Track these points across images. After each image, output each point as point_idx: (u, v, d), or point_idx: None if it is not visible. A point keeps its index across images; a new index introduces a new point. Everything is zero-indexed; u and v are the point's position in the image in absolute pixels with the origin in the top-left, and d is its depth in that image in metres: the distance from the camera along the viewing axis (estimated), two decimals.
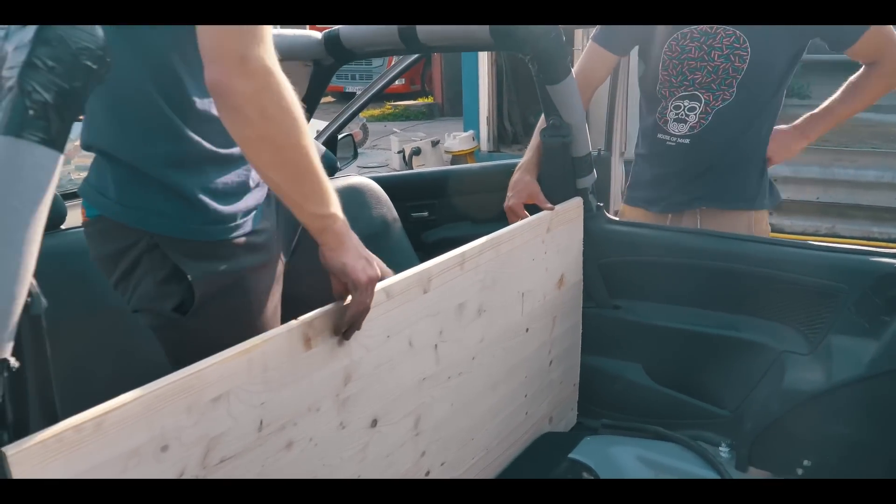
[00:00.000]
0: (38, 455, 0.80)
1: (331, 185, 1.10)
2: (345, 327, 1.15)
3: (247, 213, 1.25)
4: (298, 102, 1.02)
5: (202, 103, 1.16)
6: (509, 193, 1.83)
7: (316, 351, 1.14)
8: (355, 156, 2.79)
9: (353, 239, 1.14)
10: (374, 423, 1.30)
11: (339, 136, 2.65)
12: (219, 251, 1.21)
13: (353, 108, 2.57)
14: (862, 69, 1.90)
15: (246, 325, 1.22)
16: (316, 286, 1.36)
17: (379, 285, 1.21)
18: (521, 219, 1.74)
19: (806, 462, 1.62)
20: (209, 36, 0.95)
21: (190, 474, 0.98)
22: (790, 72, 1.90)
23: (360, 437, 1.28)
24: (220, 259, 1.21)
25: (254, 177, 1.27)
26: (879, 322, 1.54)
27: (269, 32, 0.97)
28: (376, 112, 11.50)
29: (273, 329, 1.10)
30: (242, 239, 1.23)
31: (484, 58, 6.85)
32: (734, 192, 1.96)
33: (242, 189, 1.24)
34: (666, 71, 1.95)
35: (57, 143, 0.79)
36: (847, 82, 1.93)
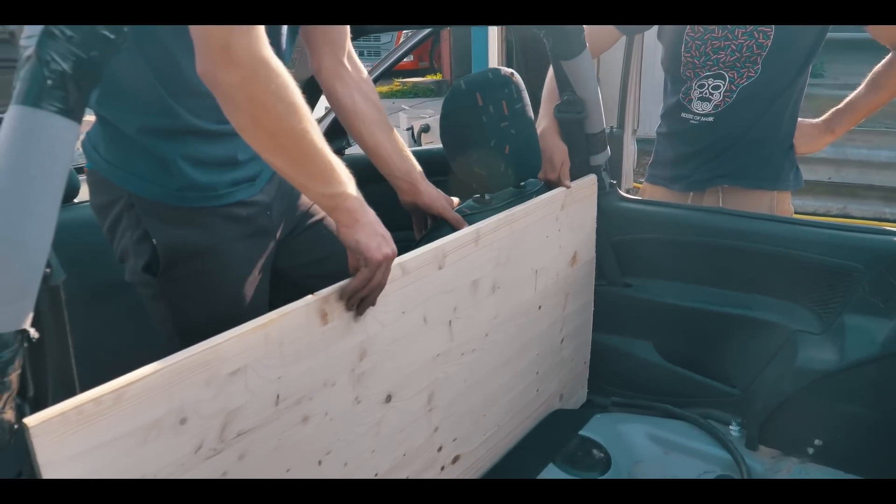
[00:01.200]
0: (59, 427, 0.81)
1: (339, 164, 1.09)
2: (357, 303, 1.16)
3: (233, 184, 1.27)
4: (294, 87, 1.01)
5: (196, 80, 1.15)
6: (549, 165, 1.75)
7: (332, 326, 1.14)
8: None
9: (369, 215, 1.14)
10: (389, 398, 1.30)
11: None
12: (192, 218, 1.24)
13: None
14: (886, 59, 1.87)
15: (217, 294, 1.28)
16: (309, 269, 1.36)
17: (396, 260, 1.22)
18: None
19: (817, 441, 1.62)
20: (196, 26, 0.96)
21: (208, 447, 0.99)
22: (817, 48, 1.87)
23: (375, 412, 1.28)
24: (191, 226, 1.23)
25: (248, 151, 1.27)
26: (894, 302, 1.53)
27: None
28: (385, 89, 11.44)
29: (291, 304, 1.09)
30: (222, 209, 1.25)
31: (494, 33, 6.78)
32: (756, 170, 1.94)
33: (229, 162, 1.26)
34: (689, 52, 1.94)
35: (75, 113, 0.79)
36: (871, 73, 1.90)
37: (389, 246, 1.15)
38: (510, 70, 1.62)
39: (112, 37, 0.80)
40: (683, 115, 1.98)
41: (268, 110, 1.00)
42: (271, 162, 1.08)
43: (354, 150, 2.77)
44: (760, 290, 1.74)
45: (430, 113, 7.58)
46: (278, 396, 1.07)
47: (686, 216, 1.85)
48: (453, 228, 1.49)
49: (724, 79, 1.90)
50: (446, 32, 10.80)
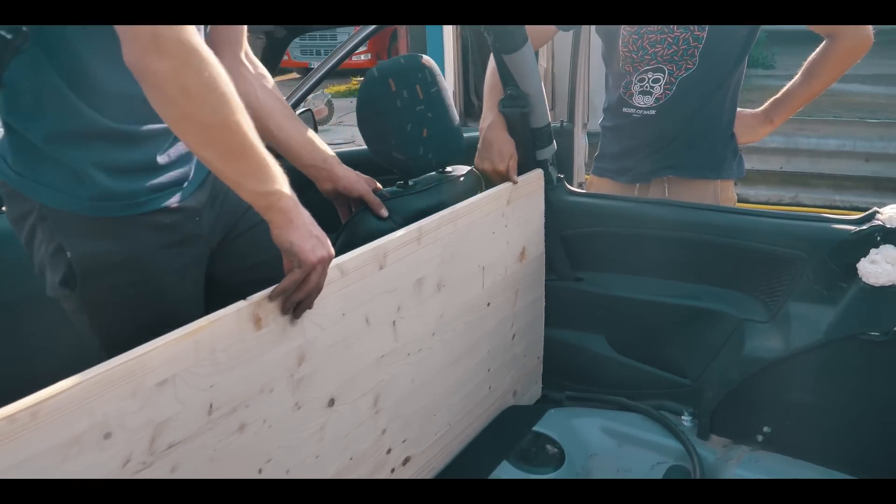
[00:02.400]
0: None
1: (273, 161, 1.06)
2: (292, 306, 1.13)
3: (153, 191, 1.21)
4: (226, 78, 0.98)
5: (108, 79, 1.11)
6: (490, 152, 1.75)
7: (267, 331, 1.11)
8: (315, 132, 2.73)
9: (303, 216, 1.11)
10: (332, 402, 1.28)
11: (298, 112, 2.59)
12: (108, 228, 1.18)
13: (311, 82, 2.52)
14: (819, 48, 1.89)
15: (142, 306, 1.22)
16: (246, 275, 1.32)
17: (333, 262, 1.19)
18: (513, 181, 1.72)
19: (766, 429, 1.64)
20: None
21: (136, 461, 0.95)
22: (751, 39, 1.90)
23: (317, 418, 1.25)
24: (108, 237, 1.18)
25: (170, 154, 1.24)
26: (837, 289, 1.54)
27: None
28: (342, 88, 11.35)
29: (221, 310, 1.06)
30: (142, 217, 1.20)
31: (449, 31, 6.77)
32: (700, 161, 1.97)
33: (149, 167, 1.20)
34: (626, 48, 1.95)
35: None
36: (806, 62, 1.92)
37: (325, 248, 1.11)
38: (425, 56, 1.62)
39: (9, 37, 0.76)
40: (626, 109, 2.00)
41: (200, 101, 0.96)
42: (202, 156, 1.04)
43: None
44: (708, 281, 1.75)
45: None
46: (211, 405, 1.04)
47: (634, 209, 1.85)
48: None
49: (664, 72, 1.91)
50: (403, 29, 10.76)
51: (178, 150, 1.26)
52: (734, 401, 1.66)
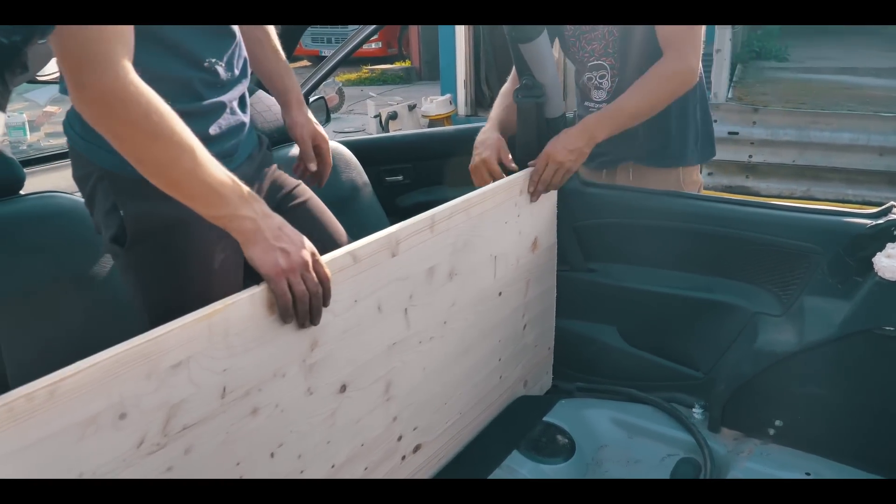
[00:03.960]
0: None
1: (226, 182, 1.07)
2: (305, 318, 1.13)
3: None
4: (157, 112, 0.99)
5: (158, 65, 1.15)
6: (475, 152, 1.80)
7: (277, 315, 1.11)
8: (328, 119, 2.73)
9: (266, 231, 1.10)
10: (343, 388, 1.28)
11: (311, 100, 2.59)
12: (160, 192, 1.20)
13: (324, 71, 2.52)
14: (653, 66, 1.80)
15: (184, 268, 1.30)
16: None
17: (345, 249, 1.21)
18: (493, 175, 1.72)
19: (777, 422, 1.64)
20: (56, 58, 0.97)
21: (150, 441, 0.96)
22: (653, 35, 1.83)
23: (329, 403, 1.26)
24: (158, 200, 1.19)
25: (220, 125, 1.31)
26: (852, 283, 1.54)
27: (106, 44, 0.95)
28: (353, 76, 11.35)
29: (238, 292, 1.07)
30: None
31: None
32: (658, 151, 1.96)
33: (201, 138, 1.23)
34: (570, 50, 2.01)
35: None
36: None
37: (289, 258, 1.10)
38: None
39: (5, 41, 0.76)
40: (586, 103, 2.03)
41: (126, 141, 1.01)
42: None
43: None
44: (722, 273, 1.75)
45: (398, 100, 7.54)
46: (225, 388, 1.05)
47: (648, 200, 1.84)
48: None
49: (605, 68, 1.95)
50: None
51: (227, 121, 1.34)
52: (746, 394, 1.66)
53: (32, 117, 6.43)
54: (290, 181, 1.54)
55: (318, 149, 1.61)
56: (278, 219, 1.13)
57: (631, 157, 1.99)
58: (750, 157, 5.65)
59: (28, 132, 6.19)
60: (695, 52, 1.78)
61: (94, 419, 0.88)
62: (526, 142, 1.79)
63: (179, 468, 1.00)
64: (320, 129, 1.61)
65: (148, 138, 1.00)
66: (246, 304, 1.06)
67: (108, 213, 1.28)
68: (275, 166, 1.53)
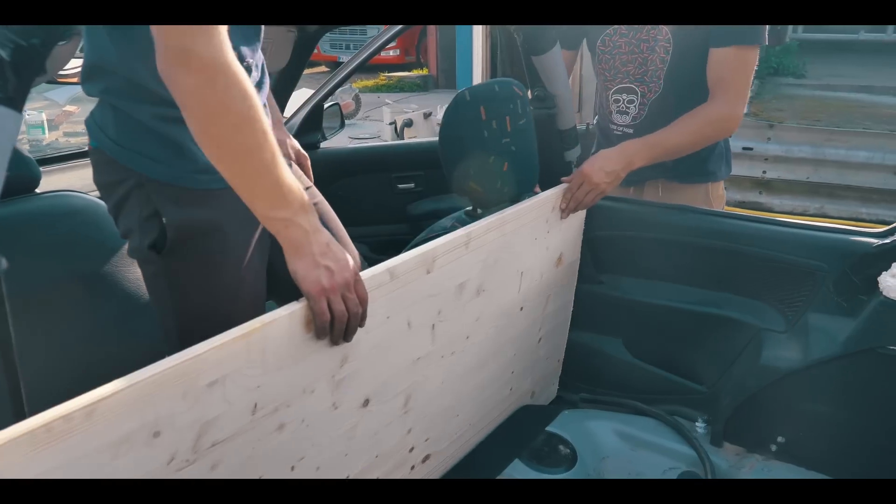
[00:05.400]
0: (26, 446, 0.77)
1: (292, 187, 1.05)
2: (339, 336, 1.12)
3: None
4: (252, 98, 0.98)
5: None
6: None
7: (314, 333, 1.11)
8: (342, 125, 2.76)
9: (314, 245, 1.08)
10: (367, 402, 1.28)
11: (326, 105, 2.62)
12: (201, 199, 1.23)
13: (340, 77, 2.54)
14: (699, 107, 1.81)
15: (218, 274, 1.29)
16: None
17: (384, 266, 1.20)
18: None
19: (780, 439, 1.64)
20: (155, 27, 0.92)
21: (181, 458, 0.96)
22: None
23: (351, 417, 1.26)
24: (200, 206, 1.22)
25: None
26: (857, 301, 1.54)
27: (219, 23, 0.93)
28: (370, 83, 11.40)
29: (274, 311, 1.06)
30: (231, 191, 1.24)
31: (478, 30, 6.78)
32: (688, 169, 1.97)
33: None
34: (601, 65, 1.99)
35: (14, 101, 0.77)
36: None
37: (332, 277, 1.07)
38: (516, 83, 1.60)
39: (24, 44, 0.78)
40: (609, 125, 2.04)
41: (219, 119, 0.97)
42: (219, 170, 1.05)
43: (331, 143, 2.76)
44: (729, 289, 1.75)
45: (413, 108, 7.57)
46: (256, 405, 1.04)
47: (658, 214, 1.85)
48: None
49: (636, 93, 1.94)
50: (433, 27, 10.78)
51: None
52: (749, 409, 1.66)
53: (51, 116, 6.51)
54: (303, 181, 1.55)
55: (302, 166, 1.62)
56: (327, 235, 1.10)
57: (661, 175, 1.99)
58: (764, 172, 5.63)
59: (47, 131, 6.27)
60: (743, 99, 1.80)
61: (129, 438, 0.87)
62: (541, 153, 1.79)
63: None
64: (297, 144, 1.63)
65: (242, 120, 0.97)
66: (285, 322, 1.05)
67: (148, 219, 1.25)
68: (289, 162, 1.55)
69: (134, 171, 1.24)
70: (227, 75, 0.95)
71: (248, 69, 1.31)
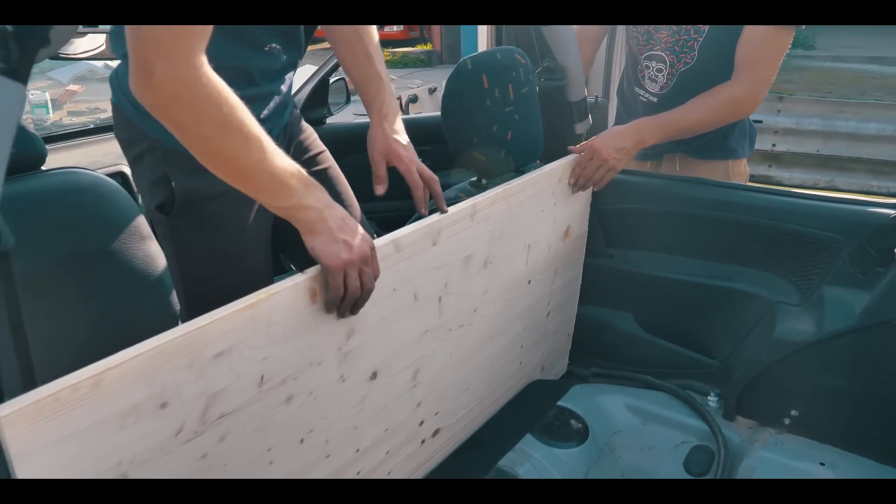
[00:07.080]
0: (33, 416, 0.77)
1: (290, 172, 1.04)
2: (347, 309, 1.12)
3: None
4: (226, 104, 0.96)
5: (217, 55, 1.13)
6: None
7: (321, 304, 1.11)
8: (347, 101, 2.73)
9: (328, 221, 1.08)
10: (374, 375, 1.28)
11: (331, 80, 2.59)
12: None
13: None
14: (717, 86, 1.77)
15: (221, 237, 1.36)
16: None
17: (388, 237, 1.19)
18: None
19: (793, 412, 1.63)
20: (127, 39, 0.91)
21: (189, 430, 0.96)
22: None
23: (359, 390, 1.26)
24: (207, 174, 1.20)
25: (270, 107, 1.38)
26: (873, 273, 1.52)
27: (186, 38, 0.91)
28: None
29: (278, 283, 1.05)
30: None
31: None
32: (709, 145, 1.94)
33: None
34: (633, 29, 1.95)
35: (18, 73, 0.75)
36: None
37: (351, 251, 1.08)
38: (518, 51, 1.58)
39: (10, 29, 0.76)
40: (637, 89, 2.00)
41: (194, 130, 0.97)
42: (214, 173, 1.04)
43: (336, 118, 2.74)
44: (741, 262, 1.74)
45: (418, 83, 7.51)
46: (262, 377, 1.04)
47: (669, 186, 1.83)
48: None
49: (665, 62, 1.89)
50: None
51: (275, 103, 1.40)
52: (762, 383, 1.65)
53: (55, 96, 6.49)
54: (317, 146, 1.56)
55: (432, 192, 1.39)
56: (340, 209, 1.10)
57: (679, 149, 1.96)
58: (773, 145, 5.58)
59: (51, 110, 6.25)
60: (767, 83, 1.75)
61: (136, 409, 0.87)
62: (550, 125, 1.77)
63: (213, 455, 1.00)
64: (400, 147, 1.42)
65: (216, 130, 0.97)
66: (289, 293, 1.05)
67: (157, 182, 1.32)
68: (304, 126, 1.56)
69: (147, 134, 1.31)
70: (192, 90, 0.93)
71: (273, 54, 1.33)
